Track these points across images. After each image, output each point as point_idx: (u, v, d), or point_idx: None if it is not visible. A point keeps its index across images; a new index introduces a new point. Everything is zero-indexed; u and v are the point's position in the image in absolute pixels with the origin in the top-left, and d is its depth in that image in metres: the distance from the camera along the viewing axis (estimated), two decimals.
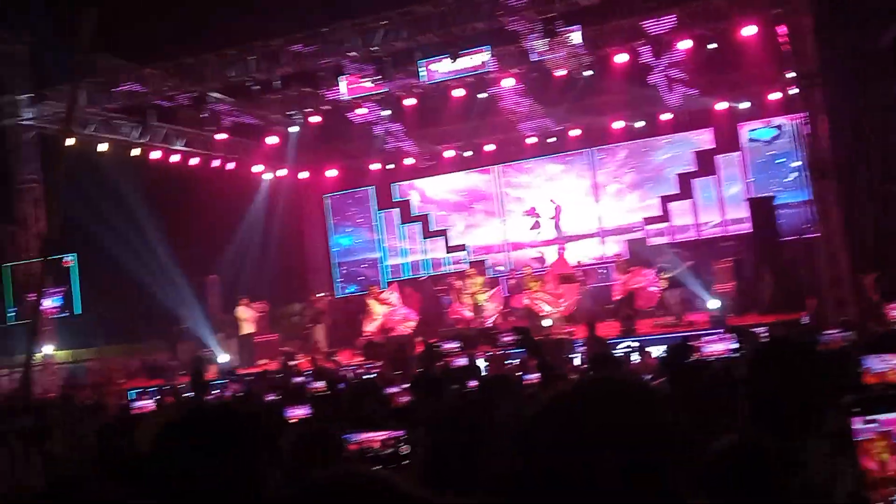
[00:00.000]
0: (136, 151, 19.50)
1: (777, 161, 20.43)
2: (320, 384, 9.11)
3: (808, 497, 2.25)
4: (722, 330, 7.78)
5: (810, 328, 9.93)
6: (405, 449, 3.25)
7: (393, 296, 19.97)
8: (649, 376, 8.22)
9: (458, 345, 8.61)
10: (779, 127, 20.16)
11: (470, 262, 22.19)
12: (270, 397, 8.64)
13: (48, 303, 17.99)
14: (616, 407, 1.51)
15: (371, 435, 3.32)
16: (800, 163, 16.96)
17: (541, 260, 22.30)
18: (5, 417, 9.14)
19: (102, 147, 18.85)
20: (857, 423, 2.00)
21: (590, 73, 18.18)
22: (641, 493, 1.43)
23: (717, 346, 4.96)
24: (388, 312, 19.43)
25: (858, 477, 1.99)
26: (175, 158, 20.31)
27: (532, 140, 21.84)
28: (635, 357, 11.43)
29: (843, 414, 2.18)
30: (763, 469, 2.10)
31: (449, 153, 22.74)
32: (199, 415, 2.35)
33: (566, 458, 1.46)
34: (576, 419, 1.50)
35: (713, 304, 16.67)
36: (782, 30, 16.05)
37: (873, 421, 1.99)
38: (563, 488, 1.44)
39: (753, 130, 20.78)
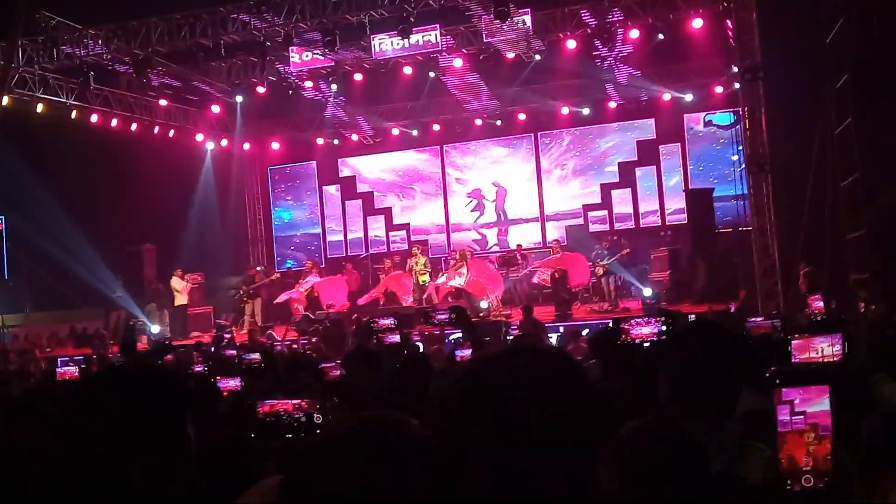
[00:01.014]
0: (74, 114, 18.99)
1: (719, 153, 20.73)
2: (254, 356, 9.03)
3: (722, 479, 2.27)
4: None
5: (737, 315, 10.15)
6: (319, 417, 3.24)
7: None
8: (580, 359, 8.33)
9: (393, 322, 8.61)
10: (737, 113, 20.36)
11: (410, 243, 22.16)
12: (199, 368, 8.54)
13: None
14: (535, 371, 1.50)
15: (284, 400, 3.30)
16: (737, 157, 17.28)
17: (481, 242, 22.41)
18: None
19: (39, 107, 18.32)
20: (785, 414, 2.02)
21: (539, 57, 18.25)
22: (556, 458, 1.42)
23: (645, 329, 5.03)
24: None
25: (772, 461, 2.01)
26: (115, 123, 19.83)
27: (478, 122, 21.87)
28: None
29: (767, 387, 2.18)
30: (676, 451, 2.10)
31: (395, 131, 22.62)
32: (119, 371, 2.35)
33: (484, 421, 1.44)
34: (495, 383, 1.48)
35: (647, 291, 16.97)
36: (730, 24, 16.31)
37: (801, 413, 2.01)
38: (482, 453, 1.43)
39: (711, 114, 20.95)
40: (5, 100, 16.93)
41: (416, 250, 19.71)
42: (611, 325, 5.56)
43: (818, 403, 2.01)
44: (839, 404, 1.99)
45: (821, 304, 8.47)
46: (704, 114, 21.05)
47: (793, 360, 3.88)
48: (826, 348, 4.07)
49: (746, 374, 2.81)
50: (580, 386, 1.50)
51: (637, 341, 4.96)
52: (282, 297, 19.55)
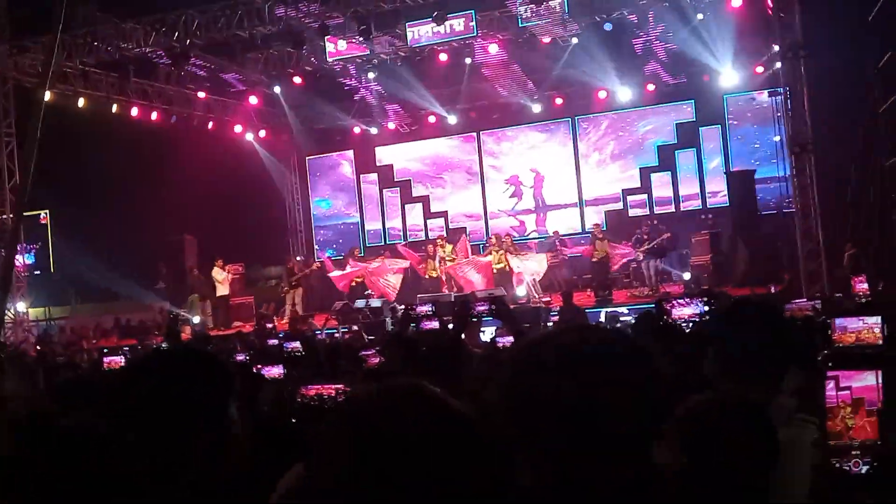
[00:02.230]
0: (114, 108, 19.24)
1: (760, 135, 20.37)
2: (295, 345, 9.10)
3: (778, 453, 2.26)
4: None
5: (778, 298, 9.99)
6: None
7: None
8: None
9: (431, 308, 8.60)
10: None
11: (447, 231, 22.13)
12: (241, 357, 8.61)
13: (21, 259, 17.84)
14: (591, 349, 1.46)
15: (327, 385, 3.31)
16: (779, 138, 16.96)
17: (520, 229, 22.32)
18: None
19: (81, 102, 18.59)
20: (830, 388, 2.00)
21: (575, 40, 18.12)
22: (613, 440, 1.40)
23: (687, 310, 4.97)
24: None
25: (823, 444, 1.98)
26: (154, 116, 20.06)
27: (514, 108, 21.75)
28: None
29: (817, 370, 2.16)
30: (739, 424, 2.10)
31: (431, 118, 22.57)
32: (166, 353, 2.36)
33: (537, 399, 1.41)
34: (551, 358, 1.45)
35: (686, 275, 16.82)
36: (769, 2, 16.02)
37: (847, 388, 1.99)
38: (534, 428, 1.41)
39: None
40: (47, 95, 17.17)
41: (441, 241, 19.72)
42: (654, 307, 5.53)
43: (864, 379, 1.98)
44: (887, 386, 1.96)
45: (865, 285, 8.28)
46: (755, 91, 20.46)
47: (834, 343, 3.82)
48: (866, 332, 4.02)
49: (792, 350, 2.79)
50: (647, 367, 1.47)
51: (679, 322, 4.91)
52: (336, 275, 19.72)
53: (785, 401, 2.49)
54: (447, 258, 19.09)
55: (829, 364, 2.01)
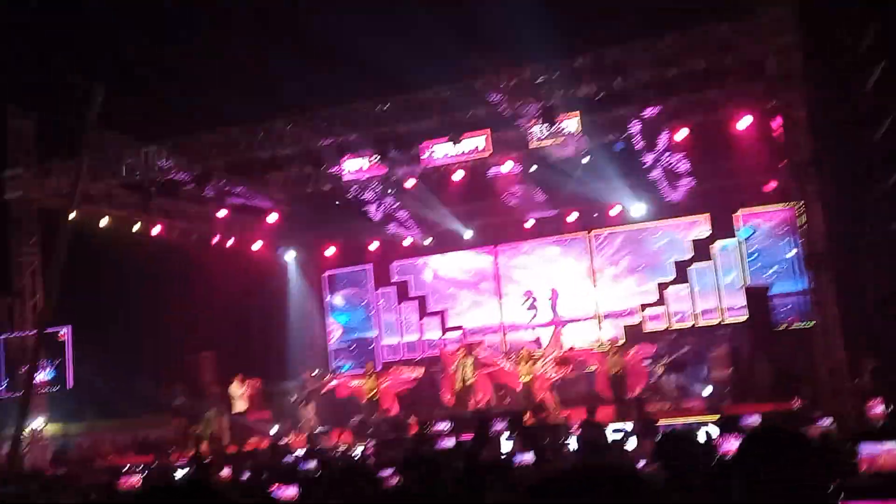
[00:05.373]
0: (136, 226, 19.59)
1: (777, 249, 20.46)
2: (312, 464, 9.00)
3: None
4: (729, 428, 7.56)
5: (798, 416, 9.81)
6: None
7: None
8: (644, 462, 8.14)
9: (450, 426, 8.53)
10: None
11: (461, 343, 22.08)
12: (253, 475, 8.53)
13: (41, 376, 17.87)
14: (604, 492, 1.52)
15: None
16: (795, 252, 17.02)
17: (537, 342, 22.23)
18: None
19: (103, 221, 18.95)
20: None
21: (587, 158, 18.45)
22: None
23: (732, 445, 4.85)
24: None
25: None
26: (175, 234, 20.38)
27: (530, 223, 22.02)
28: (632, 442, 11.28)
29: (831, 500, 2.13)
30: None
31: (447, 234, 22.81)
32: (160, 491, 2.34)
33: None
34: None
35: (707, 391, 16.64)
36: (777, 122, 16.35)
37: None
38: None
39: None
40: (73, 215, 17.57)
41: (464, 351, 19.62)
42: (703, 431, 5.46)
43: None
44: None
45: (881, 409, 7.97)
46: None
47: (861, 470, 3.74)
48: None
49: (817, 478, 2.74)
50: None
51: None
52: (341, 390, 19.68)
53: None
54: (469, 372, 18.91)
55: (842, 495, 1.97)
